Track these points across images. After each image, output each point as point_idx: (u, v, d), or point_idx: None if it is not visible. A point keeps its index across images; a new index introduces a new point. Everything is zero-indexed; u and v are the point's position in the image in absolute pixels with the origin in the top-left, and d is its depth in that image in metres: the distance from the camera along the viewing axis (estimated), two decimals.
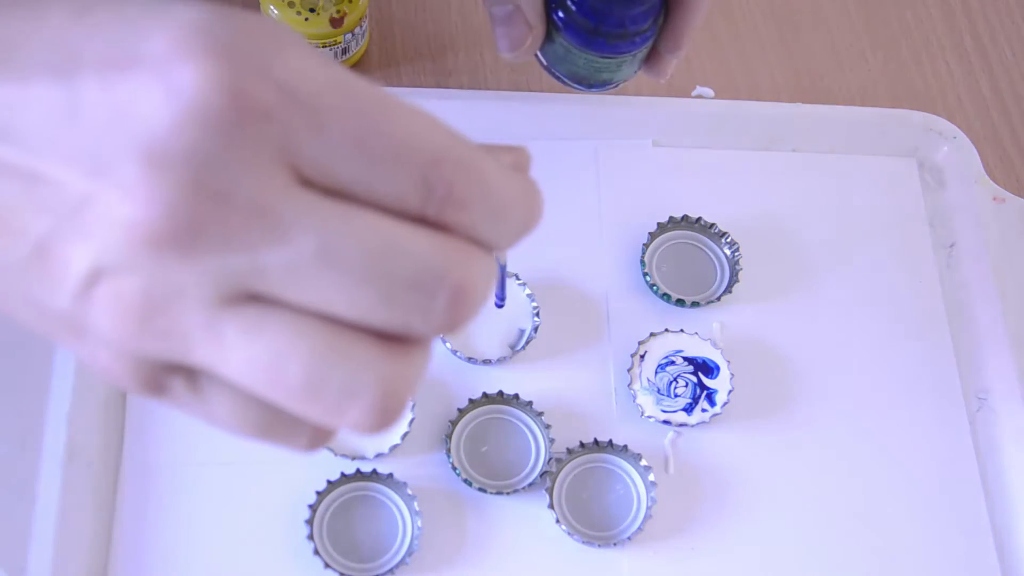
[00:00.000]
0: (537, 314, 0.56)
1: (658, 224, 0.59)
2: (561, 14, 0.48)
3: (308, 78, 0.25)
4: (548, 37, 0.49)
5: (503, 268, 0.45)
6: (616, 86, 0.52)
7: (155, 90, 0.24)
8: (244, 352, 0.25)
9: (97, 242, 0.24)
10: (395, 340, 0.27)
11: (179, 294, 0.25)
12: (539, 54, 0.51)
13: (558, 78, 0.52)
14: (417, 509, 0.51)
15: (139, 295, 0.25)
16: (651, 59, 0.51)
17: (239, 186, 0.24)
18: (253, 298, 0.25)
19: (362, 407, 0.26)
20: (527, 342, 0.56)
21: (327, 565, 0.49)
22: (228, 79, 0.24)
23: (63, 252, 0.25)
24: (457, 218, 0.26)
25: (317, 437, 0.28)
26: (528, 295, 0.57)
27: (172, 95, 0.24)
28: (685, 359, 0.56)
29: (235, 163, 0.24)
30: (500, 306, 0.52)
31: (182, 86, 0.24)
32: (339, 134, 0.25)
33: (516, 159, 0.31)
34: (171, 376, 0.27)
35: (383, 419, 0.26)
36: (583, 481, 0.53)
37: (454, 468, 0.52)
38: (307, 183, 0.25)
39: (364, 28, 0.62)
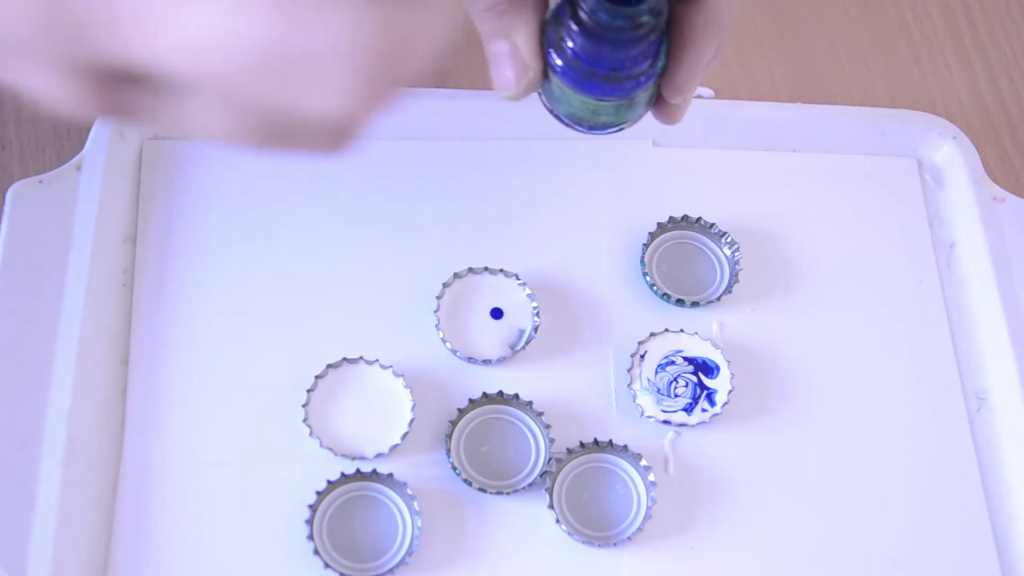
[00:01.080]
0: (537, 314, 0.56)
1: (658, 224, 0.59)
2: (556, 55, 0.46)
3: None
4: (546, 77, 0.48)
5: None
6: (619, 129, 0.49)
7: None
8: (171, 26, 0.22)
9: None
10: None
11: None
12: (540, 94, 0.50)
13: (559, 118, 0.50)
14: (417, 509, 0.51)
15: None
16: (658, 103, 0.49)
17: None
18: None
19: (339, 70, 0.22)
20: (527, 342, 0.56)
21: (327, 565, 0.49)
22: None
23: None
24: None
25: (334, 138, 0.24)
26: (528, 295, 0.57)
27: None
28: (685, 359, 0.56)
29: None
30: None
31: None
32: None
33: None
34: (132, 87, 0.24)
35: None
36: (583, 481, 0.53)
37: (454, 468, 0.52)
38: None
39: None
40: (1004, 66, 0.70)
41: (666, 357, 0.56)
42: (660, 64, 0.46)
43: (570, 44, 0.45)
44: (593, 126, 0.49)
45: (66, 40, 0.22)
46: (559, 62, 0.46)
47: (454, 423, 0.53)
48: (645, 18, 0.42)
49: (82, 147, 0.56)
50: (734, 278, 0.58)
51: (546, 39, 0.47)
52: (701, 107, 0.63)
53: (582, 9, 0.43)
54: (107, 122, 0.24)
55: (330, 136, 0.25)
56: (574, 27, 0.44)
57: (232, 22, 0.21)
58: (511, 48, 0.47)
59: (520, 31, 0.46)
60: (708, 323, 0.58)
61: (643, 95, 0.47)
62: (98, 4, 0.22)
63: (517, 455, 0.54)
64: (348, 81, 0.22)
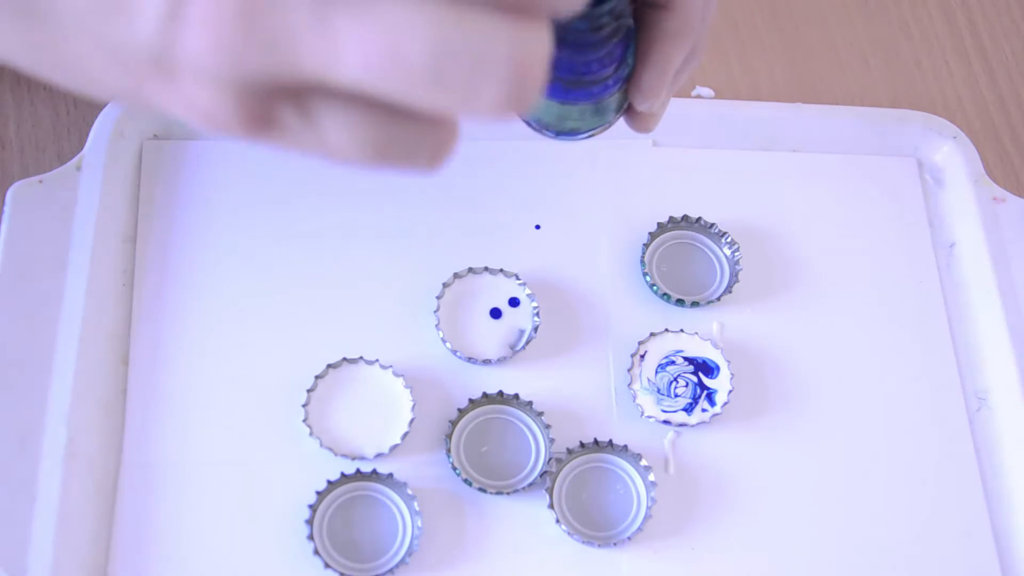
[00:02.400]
0: (537, 314, 0.56)
1: (658, 224, 0.59)
2: None
3: None
4: None
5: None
6: (590, 135, 0.48)
7: None
8: (359, 42, 0.23)
9: None
10: (518, 14, 0.24)
11: None
12: None
13: (528, 123, 0.49)
14: (417, 509, 0.51)
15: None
16: (629, 110, 0.47)
17: None
18: None
19: (496, 81, 0.23)
20: (527, 342, 0.56)
21: (327, 565, 0.49)
22: None
23: None
24: None
25: (439, 149, 0.26)
26: (528, 295, 0.57)
27: None
28: (685, 359, 0.56)
29: None
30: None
31: None
32: None
33: None
34: (280, 104, 0.24)
35: (521, 95, 0.24)
36: (583, 481, 0.53)
37: (454, 468, 0.52)
38: None
39: None
40: (1004, 66, 0.70)
41: (666, 357, 0.56)
42: (627, 70, 0.44)
43: None
44: (560, 132, 0.48)
45: (258, 59, 0.23)
46: None
47: (454, 423, 0.53)
48: (605, 19, 0.41)
49: (82, 147, 0.56)
50: (734, 278, 0.58)
51: None
52: (701, 107, 0.63)
53: None
54: (254, 143, 0.25)
55: (440, 147, 0.26)
56: None
57: (408, 32, 0.22)
58: None
59: None
60: (708, 323, 0.58)
61: (610, 101, 0.46)
62: (296, 21, 0.23)
63: (517, 455, 0.54)
64: (501, 89, 0.23)
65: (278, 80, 0.24)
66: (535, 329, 0.56)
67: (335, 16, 0.23)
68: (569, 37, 0.42)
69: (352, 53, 0.23)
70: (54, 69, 0.25)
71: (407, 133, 0.25)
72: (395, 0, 0.23)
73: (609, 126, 0.48)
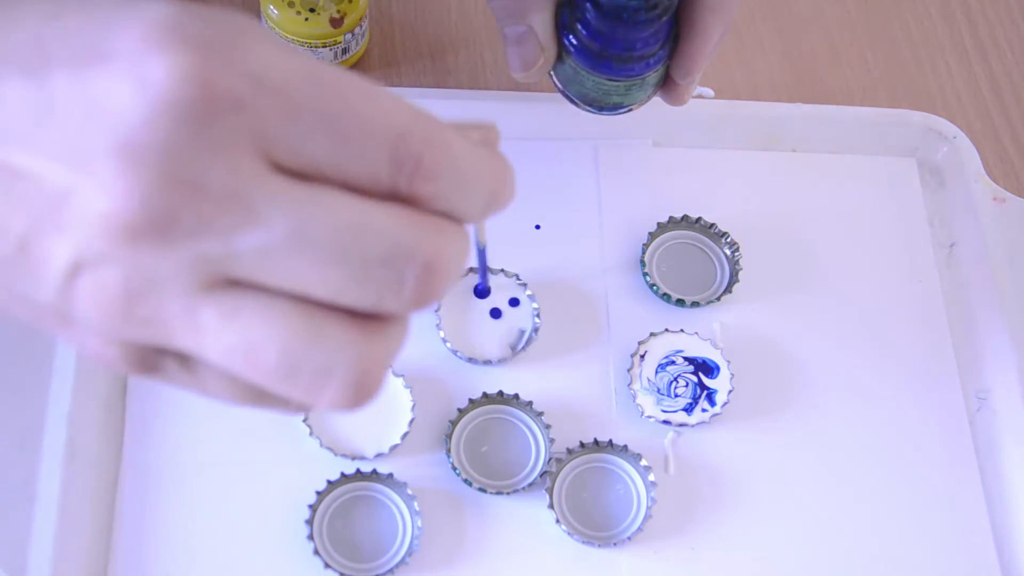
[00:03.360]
0: (537, 314, 0.56)
1: (658, 224, 0.59)
2: (570, 36, 0.48)
3: (276, 66, 0.25)
4: (559, 59, 0.50)
5: (483, 253, 0.45)
6: (628, 110, 0.52)
7: (127, 84, 0.24)
8: (222, 337, 0.26)
9: (76, 235, 0.25)
10: (370, 318, 0.27)
11: (158, 283, 0.25)
12: (552, 75, 0.51)
13: (570, 99, 0.52)
14: (417, 509, 0.51)
15: (119, 285, 0.25)
16: (666, 84, 0.51)
17: (211, 175, 0.24)
18: (230, 283, 0.26)
19: (337, 387, 0.27)
20: (527, 342, 0.56)
21: (327, 565, 0.49)
22: (198, 70, 0.24)
23: (44, 246, 0.25)
24: (426, 190, 0.27)
25: (303, 404, 0.29)
26: (528, 295, 0.57)
27: (143, 88, 0.24)
28: (685, 359, 0.56)
29: (207, 153, 0.24)
30: (482, 293, 0.52)
31: (153, 79, 0.24)
32: (309, 117, 0.25)
33: (485, 135, 0.30)
34: (163, 356, 0.27)
35: (358, 398, 0.27)
36: (583, 481, 0.53)
37: (454, 468, 0.52)
38: (279, 168, 0.25)
39: (364, 28, 0.62)
40: (1004, 66, 0.70)
41: (666, 357, 0.56)
42: (670, 46, 0.48)
43: (585, 25, 0.47)
44: (603, 106, 0.51)
45: (136, 332, 0.26)
46: (574, 43, 0.48)
47: (454, 423, 0.53)
48: None
49: None
50: (734, 278, 0.58)
51: (559, 21, 0.48)
52: (701, 107, 0.63)
53: None
54: (142, 379, 0.28)
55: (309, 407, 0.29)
56: (590, 8, 0.46)
57: (264, 336, 0.26)
58: (527, 30, 0.49)
59: (536, 13, 0.49)
60: (708, 323, 0.58)
61: (653, 76, 0.49)
62: (169, 311, 0.26)
63: (517, 455, 0.54)
64: (342, 392, 0.27)
65: (157, 345, 0.27)
66: (535, 329, 0.56)
67: (204, 313, 0.26)
68: (624, 15, 0.45)
69: (214, 347, 0.26)
70: None
71: (275, 396, 0.28)
72: (261, 305, 0.26)
73: (648, 100, 0.52)
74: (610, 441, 0.53)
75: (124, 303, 0.25)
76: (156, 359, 0.28)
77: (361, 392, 0.27)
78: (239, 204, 0.25)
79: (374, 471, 0.51)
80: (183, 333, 0.26)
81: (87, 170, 0.24)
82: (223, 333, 0.26)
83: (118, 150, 0.24)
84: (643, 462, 0.53)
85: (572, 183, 0.61)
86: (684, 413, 0.55)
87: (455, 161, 0.27)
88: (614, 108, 0.51)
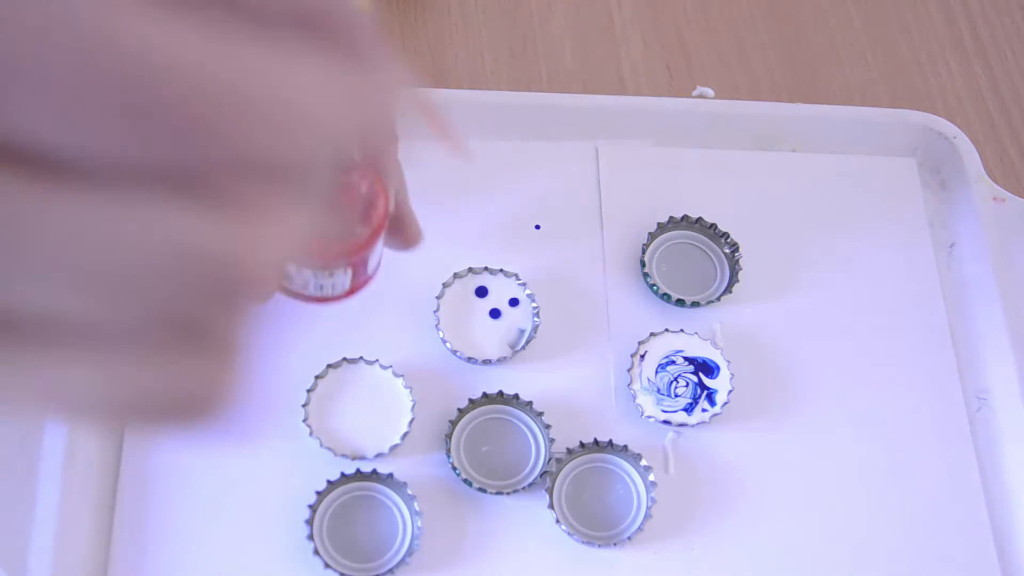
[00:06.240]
0: (537, 314, 0.56)
1: (658, 224, 0.59)
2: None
3: None
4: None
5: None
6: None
7: None
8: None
9: None
10: (193, 339, 0.21)
11: None
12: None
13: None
14: (417, 509, 0.51)
15: None
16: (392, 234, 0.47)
17: None
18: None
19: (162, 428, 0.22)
20: (527, 342, 0.56)
21: (327, 565, 0.49)
22: None
23: None
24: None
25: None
26: (528, 295, 0.57)
27: None
28: (685, 359, 0.56)
29: None
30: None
31: None
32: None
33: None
34: None
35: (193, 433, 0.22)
36: (583, 481, 0.53)
37: (454, 468, 0.52)
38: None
39: None
40: (1004, 66, 0.70)
41: (666, 357, 0.56)
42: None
43: None
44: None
45: None
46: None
47: (454, 423, 0.53)
48: None
49: None
50: (734, 278, 0.58)
51: None
52: (701, 107, 0.63)
53: None
54: None
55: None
56: None
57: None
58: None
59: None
60: (708, 323, 0.58)
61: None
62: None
63: (517, 455, 0.54)
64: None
65: None
66: (535, 329, 0.56)
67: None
68: None
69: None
70: None
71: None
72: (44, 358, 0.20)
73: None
74: (610, 441, 0.53)
75: None
76: None
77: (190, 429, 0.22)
78: None
79: (374, 471, 0.51)
80: None
81: None
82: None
83: None
84: (643, 462, 0.53)
85: (572, 183, 0.61)
86: (684, 413, 0.55)
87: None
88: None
